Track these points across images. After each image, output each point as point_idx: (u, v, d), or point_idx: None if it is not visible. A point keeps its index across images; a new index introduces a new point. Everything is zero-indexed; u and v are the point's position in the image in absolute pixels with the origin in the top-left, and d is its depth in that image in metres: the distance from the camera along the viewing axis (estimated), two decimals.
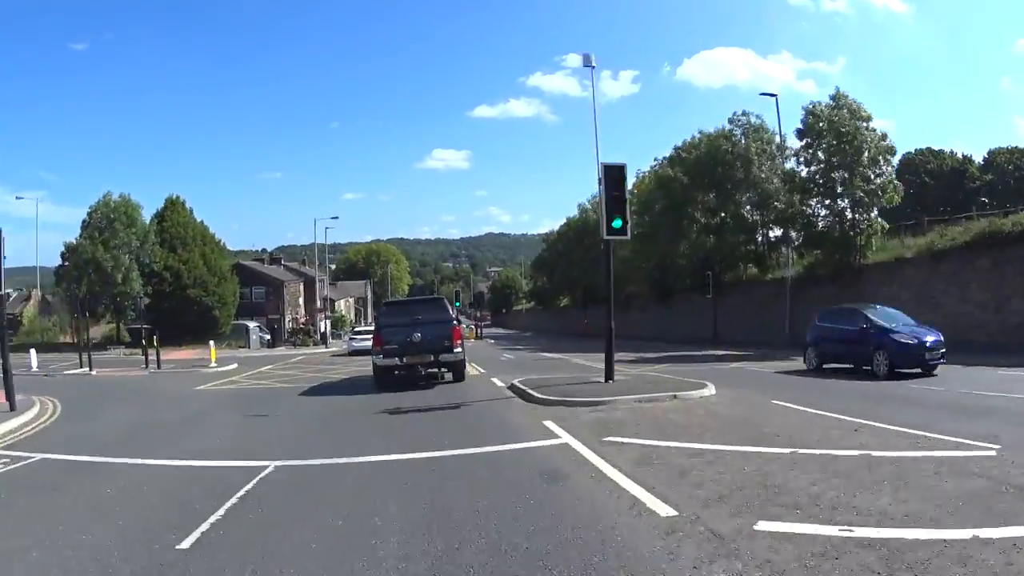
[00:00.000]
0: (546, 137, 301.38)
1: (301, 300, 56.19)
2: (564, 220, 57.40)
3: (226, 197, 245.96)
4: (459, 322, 16.62)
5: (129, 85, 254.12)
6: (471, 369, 17.16)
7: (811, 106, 26.75)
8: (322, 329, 50.79)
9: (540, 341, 42.38)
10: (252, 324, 43.75)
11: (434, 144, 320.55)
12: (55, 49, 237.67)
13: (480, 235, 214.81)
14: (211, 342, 24.55)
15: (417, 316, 13.46)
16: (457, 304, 40.98)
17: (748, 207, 32.16)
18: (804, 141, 27.27)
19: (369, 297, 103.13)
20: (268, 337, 41.73)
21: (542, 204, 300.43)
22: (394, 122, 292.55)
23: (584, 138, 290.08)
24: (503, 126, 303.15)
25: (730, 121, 32.79)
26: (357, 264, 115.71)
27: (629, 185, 15.23)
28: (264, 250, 56.96)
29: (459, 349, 13.40)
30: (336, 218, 49.26)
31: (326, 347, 41.31)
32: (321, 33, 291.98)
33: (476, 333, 44.51)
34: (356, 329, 42.62)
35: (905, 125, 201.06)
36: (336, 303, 72.47)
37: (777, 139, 32.15)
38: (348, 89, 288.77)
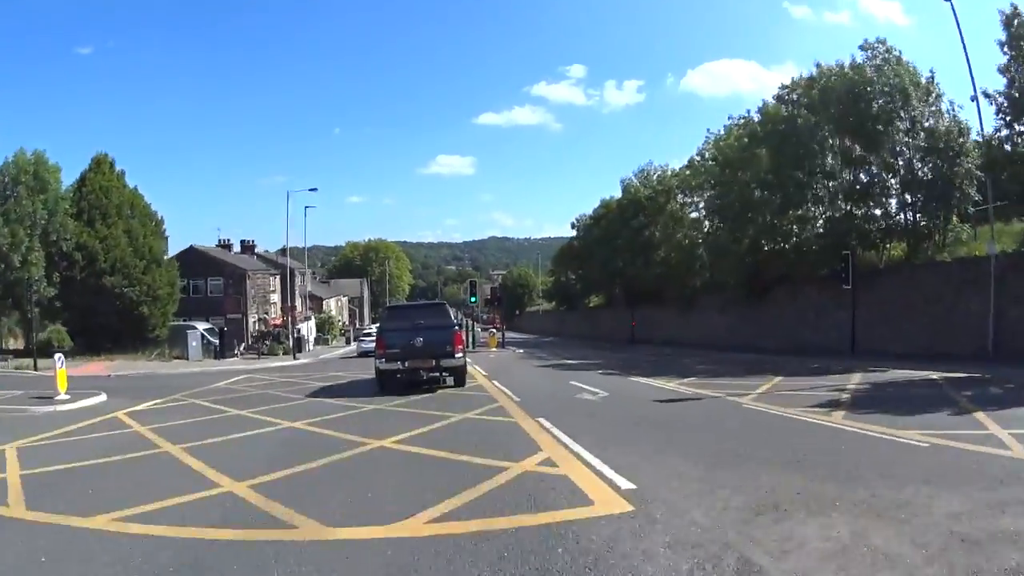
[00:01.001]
0: (550, 144, 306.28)
1: (275, 297, 45.84)
2: (599, 202, 46.92)
3: (228, 202, 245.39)
4: (461, 327, 16.43)
5: (133, 90, 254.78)
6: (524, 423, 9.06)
7: (1013, 8, 17.35)
8: (299, 333, 40.42)
9: (579, 350, 32.04)
10: (203, 326, 33.35)
11: (439, 150, 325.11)
12: (61, 53, 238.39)
13: (483, 239, 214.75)
14: (58, 358, 14.16)
15: (419, 321, 13.62)
16: (473, 300, 30.25)
17: (911, 156, 21.69)
18: (1009, 55, 17.51)
19: (366, 296, 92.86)
20: (216, 343, 31.24)
21: (546, 209, 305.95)
22: (399, 129, 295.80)
23: (588, 146, 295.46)
24: (508, 133, 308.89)
25: (861, 48, 22.61)
26: (354, 261, 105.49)
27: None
28: (231, 242, 45.75)
29: (460, 354, 13.42)
30: (315, 190, 41.80)
31: (295, 358, 30.78)
32: (326, 41, 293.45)
33: (498, 339, 33.85)
34: (365, 331, 37.86)
35: None
36: (325, 302, 62.15)
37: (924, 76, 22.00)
38: (353, 96, 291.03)
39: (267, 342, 35.82)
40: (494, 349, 28.76)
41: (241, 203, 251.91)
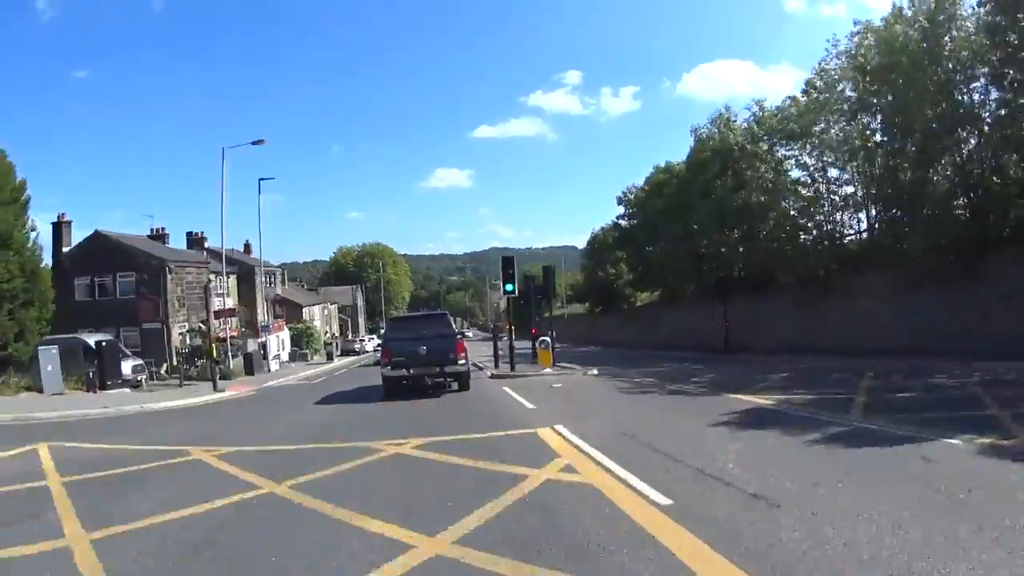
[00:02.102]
0: (548, 155, 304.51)
1: (228, 301, 34.60)
2: (651, 169, 35.72)
3: (227, 221, 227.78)
4: (463, 335, 16.29)
5: (129, 112, 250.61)
6: None
7: None
8: (262, 347, 29.26)
9: (658, 365, 20.69)
10: (95, 339, 22.07)
11: (436, 164, 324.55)
12: (58, 77, 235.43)
13: (485, 250, 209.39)
14: None
15: (422, 331, 14.10)
16: (509, 288, 18.19)
17: None
18: None
19: (360, 305, 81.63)
20: (119, 365, 19.99)
21: (546, 220, 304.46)
22: (396, 144, 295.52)
23: (586, 156, 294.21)
24: (505, 145, 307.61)
25: None
26: (347, 268, 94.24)
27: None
28: (165, 231, 33.93)
29: (463, 361, 13.79)
30: (260, 142, 27.28)
31: (216, 389, 19.38)
32: (321, 58, 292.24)
33: (551, 351, 20.95)
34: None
35: None
36: (306, 310, 50.90)
37: None
38: (349, 112, 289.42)
39: (198, 362, 24.56)
40: (548, 369, 17.27)
41: (242, 223, 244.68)
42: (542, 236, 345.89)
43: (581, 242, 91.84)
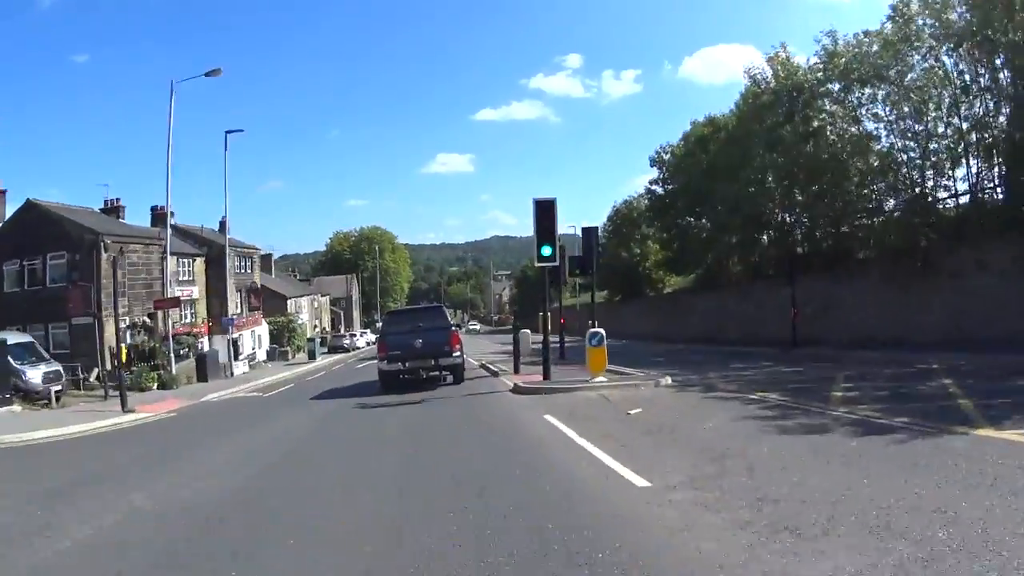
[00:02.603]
0: (550, 139, 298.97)
1: (195, 290, 29.41)
2: (688, 125, 30.28)
3: (225, 206, 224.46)
4: (460, 327, 16.79)
5: (130, 97, 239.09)
6: None
7: None
8: (221, 346, 24.21)
9: (719, 365, 15.54)
10: (16, 339, 16.86)
11: (438, 148, 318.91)
12: (57, 61, 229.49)
13: (486, 239, 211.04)
14: None
15: (418, 324, 14.08)
16: (546, 251, 12.08)
17: None
18: None
19: (355, 297, 76.40)
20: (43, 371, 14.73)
21: None
22: (396, 128, 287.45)
23: (588, 140, 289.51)
24: (506, 129, 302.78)
25: None
26: (343, 255, 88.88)
27: None
28: (120, 203, 28.38)
29: (457, 353, 13.76)
30: (215, 72, 21.56)
31: (127, 409, 14.07)
32: (319, 42, 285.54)
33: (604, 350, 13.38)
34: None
35: None
36: (292, 302, 45.64)
37: None
38: (348, 97, 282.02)
39: (133, 367, 19.27)
40: (600, 376, 11.28)
41: (240, 209, 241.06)
42: None
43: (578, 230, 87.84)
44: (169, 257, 24.89)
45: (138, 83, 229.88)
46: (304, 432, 9.15)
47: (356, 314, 74.71)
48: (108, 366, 20.60)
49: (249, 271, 34.53)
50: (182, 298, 27.71)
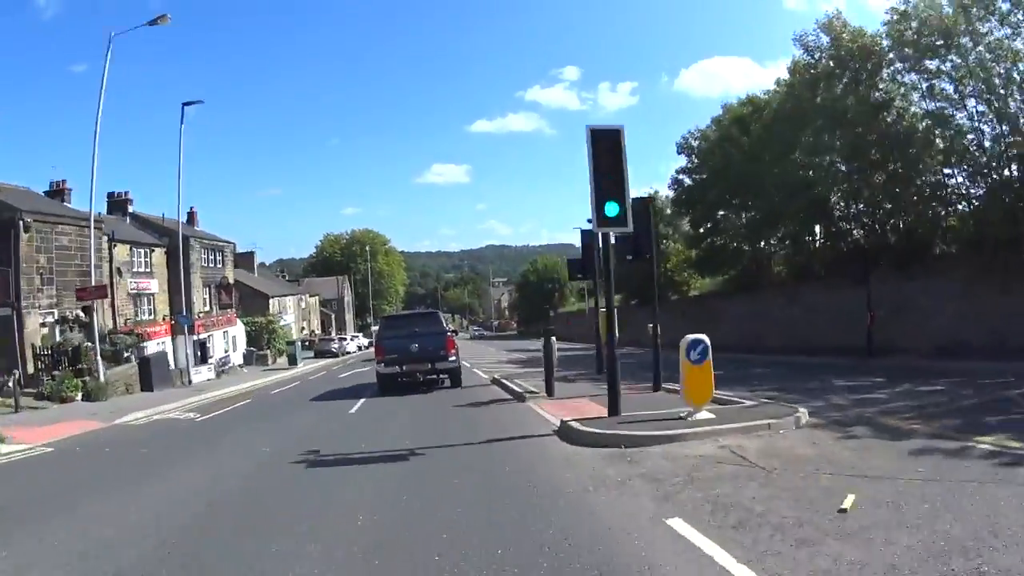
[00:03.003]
0: (545, 151, 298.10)
1: (153, 283, 25.63)
2: (719, 109, 26.72)
3: (225, 213, 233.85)
4: (456, 332, 17.28)
5: (128, 105, 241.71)
6: None
7: None
8: (177, 347, 20.51)
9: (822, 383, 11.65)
10: None
11: (433, 159, 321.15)
12: (55, 71, 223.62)
13: (481, 247, 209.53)
14: None
15: (414, 329, 14.40)
16: (612, 211, 6.69)
17: None
18: None
19: (348, 300, 72.58)
20: None
21: (542, 217, 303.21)
22: (393, 138, 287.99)
23: (583, 151, 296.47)
24: (502, 140, 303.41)
25: None
26: (334, 258, 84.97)
27: None
28: (67, 186, 24.51)
29: (453, 358, 14.08)
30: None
31: None
32: (319, 51, 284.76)
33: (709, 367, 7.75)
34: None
35: None
36: (274, 301, 41.81)
37: None
38: (347, 106, 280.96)
39: (56, 371, 15.42)
40: (704, 413, 6.86)
41: (240, 215, 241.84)
42: (538, 233, 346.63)
43: (578, 240, 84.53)
44: (120, 245, 21.09)
45: (137, 88, 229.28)
46: (189, 518, 5.09)
47: (348, 317, 70.82)
48: (31, 368, 16.74)
49: (220, 266, 30.70)
50: (137, 291, 23.92)
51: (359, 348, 45.09)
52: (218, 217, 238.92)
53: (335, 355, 35.98)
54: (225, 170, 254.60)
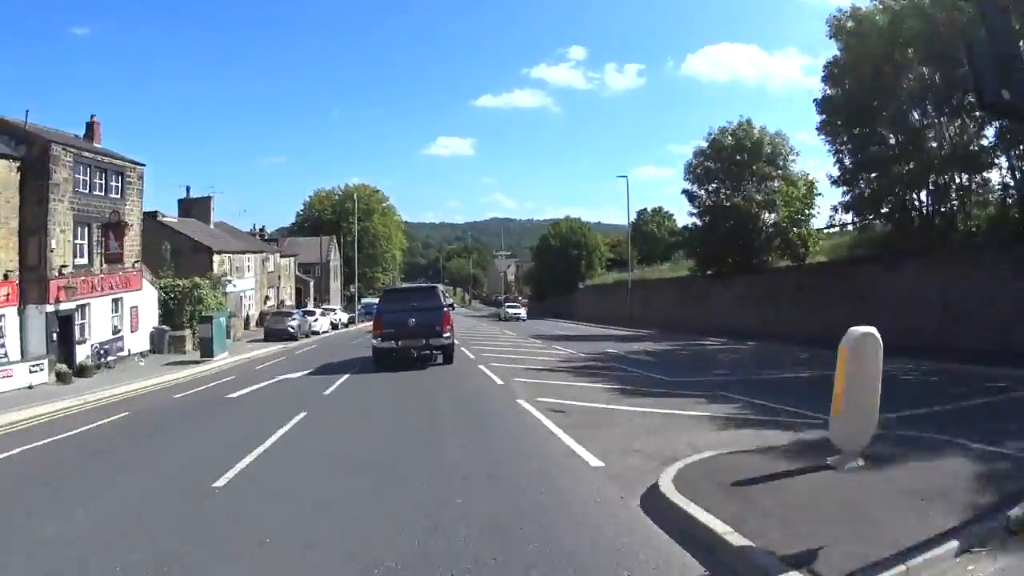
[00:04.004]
0: (550, 127, 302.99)
1: None
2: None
3: (228, 181, 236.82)
4: (453, 307, 17.15)
5: (131, 71, 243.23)
6: None
7: None
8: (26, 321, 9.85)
9: None
10: None
11: (439, 132, 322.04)
12: (57, 33, 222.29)
13: (485, 220, 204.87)
14: None
15: (412, 304, 14.62)
16: None
17: None
18: None
19: (335, 265, 62.31)
20: None
21: (547, 191, 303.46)
22: (398, 111, 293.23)
23: (588, 130, 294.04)
24: (507, 115, 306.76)
25: None
26: (324, 215, 74.42)
27: None
28: None
29: (448, 334, 14.28)
30: None
31: None
32: (326, 22, 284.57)
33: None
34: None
35: None
36: (222, 258, 31.48)
37: None
38: (352, 78, 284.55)
39: None
40: None
41: (242, 184, 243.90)
42: (543, 208, 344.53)
43: (582, 215, 68.51)
44: None
45: (140, 54, 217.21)
46: None
47: (335, 285, 60.61)
48: None
49: (118, 196, 20.19)
50: None
51: (334, 326, 34.83)
52: (218, 185, 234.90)
53: (292, 337, 25.71)
54: (227, 136, 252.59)
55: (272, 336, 25.83)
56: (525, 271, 73.30)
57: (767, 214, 25.07)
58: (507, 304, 41.63)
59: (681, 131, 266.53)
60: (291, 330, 25.78)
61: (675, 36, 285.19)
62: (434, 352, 14.38)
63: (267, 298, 38.41)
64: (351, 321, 39.07)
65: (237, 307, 28.66)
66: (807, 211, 24.50)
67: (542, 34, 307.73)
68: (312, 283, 50.75)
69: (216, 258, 30.69)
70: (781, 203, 25.09)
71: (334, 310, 37.03)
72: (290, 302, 44.63)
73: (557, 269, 50.26)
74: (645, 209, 72.96)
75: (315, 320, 30.10)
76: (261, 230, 60.88)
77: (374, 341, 14.28)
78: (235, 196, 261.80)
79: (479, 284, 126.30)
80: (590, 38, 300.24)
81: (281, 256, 43.11)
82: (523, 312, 41.63)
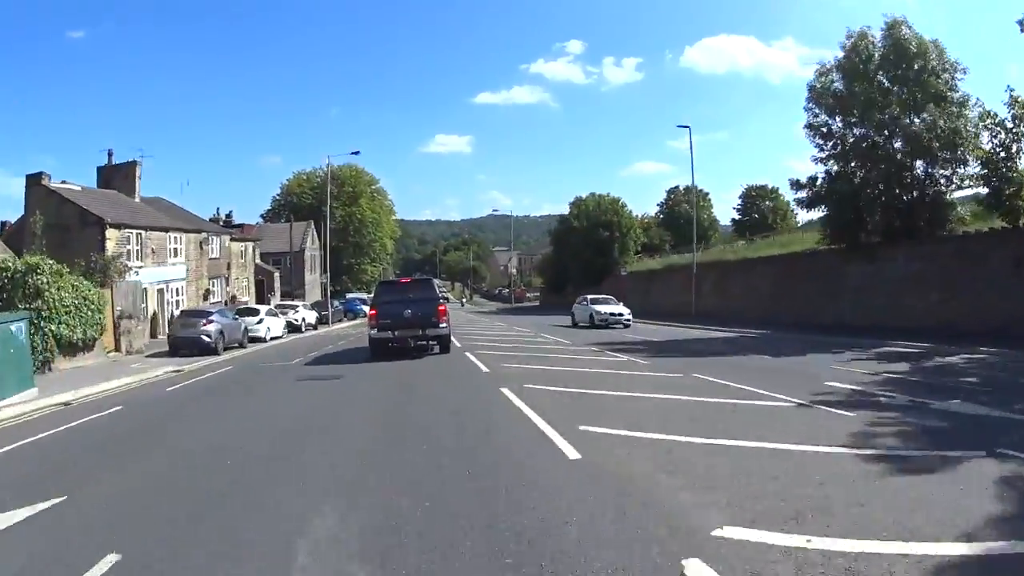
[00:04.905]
0: (548, 124, 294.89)
1: None
2: None
3: (225, 180, 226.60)
4: (448, 299, 17.12)
5: (127, 73, 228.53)
6: None
7: None
8: None
9: None
10: None
11: (436, 129, 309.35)
12: (53, 37, 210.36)
13: (482, 217, 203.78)
14: None
15: (408, 295, 14.63)
16: None
17: None
18: None
19: (312, 253, 52.92)
20: None
21: (544, 189, 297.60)
22: (397, 109, 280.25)
23: (587, 125, 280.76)
24: (506, 112, 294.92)
25: None
26: (303, 201, 64.69)
27: None
28: None
29: (444, 324, 14.23)
30: None
31: None
32: (322, 19, 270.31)
33: None
34: None
35: None
36: (127, 236, 21.87)
37: None
38: (350, 76, 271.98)
39: None
40: None
41: (240, 182, 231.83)
42: (540, 205, 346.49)
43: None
44: None
45: (137, 56, 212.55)
46: None
47: (311, 277, 51.03)
48: None
49: None
50: None
51: (295, 329, 25.28)
52: (215, 185, 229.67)
53: (209, 349, 16.08)
54: (224, 136, 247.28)
55: (180, 347, 16.24)
56: (538, 260, 63.74)
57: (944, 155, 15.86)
58: (597, 301, 22.83)
59: (679, 124, 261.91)
60: (206, 339, 16.11)
61: (673, 28, 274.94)
62: (430, 342, 14.22)
63: (208, 292, 28.83)
64: (322, 321, 29.51)
65: (134, 304, 19.01)
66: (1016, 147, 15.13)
67: (540, 28, 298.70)
68: (278, 274, 41.09)
69: (112, 234, 21.07)
70: (971, 135, 15.91)
71: (295, 307, 27.36)
72: (246, 298, 35.06)
73: (583, 254, 40.69)
74: (677, 187, 63.64)
75: (258, 322, 20.44)
76: (227, 216, 51.02)
77: (371, 332, 14.25)
78: (227, 193, 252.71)
79: (480, 277, 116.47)
80: (588, 31, 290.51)
81: (232, 240, 33.40)
82: (626, 313, 23.71)
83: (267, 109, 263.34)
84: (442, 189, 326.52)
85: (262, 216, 63.42)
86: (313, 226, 53.44)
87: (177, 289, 26.03)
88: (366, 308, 48.91)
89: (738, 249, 28.10)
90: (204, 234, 29.26)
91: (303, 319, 26.42)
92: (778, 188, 55.85)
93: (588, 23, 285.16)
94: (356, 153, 30.94)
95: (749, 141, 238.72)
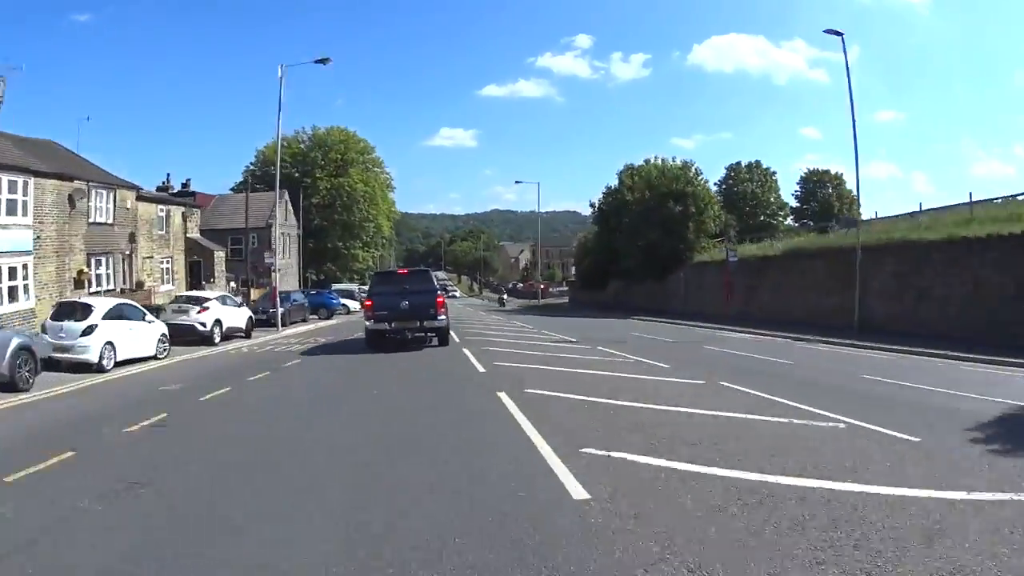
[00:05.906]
0: (554, 118, 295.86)
1: None
2: None
3: (228, 171, 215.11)
4: (445, 291, 16.43)
5: (132, 58, 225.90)
6: None
7: None
8: None
9: None
10: None
11: (442, 123, 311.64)
12: (57, 19, 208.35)
13: (487, 211, 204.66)
14: None
15: (405, 286, 14.32)
16: None
17: None
18: None
19: (286, 230, 42.05)
20: None
21: (549, 184, 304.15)
22: (401, 101, 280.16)
23: (593, 121, 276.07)
24: (512, 106, 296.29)
25: None
26: (283, 171, 53.30)
27: None
28: None
29: (443, 316, 14.01)
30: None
31: None
32: (329, 10, 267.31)
33: None
34: None
35: (916, 118, 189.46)
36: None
37: None
38: (356, 67, 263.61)
39: None
40: None
41: (241, 165, 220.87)
42: (545, 200, 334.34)
43: (584, 208, 57.87)
44: None
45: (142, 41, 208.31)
46: None
47: (285, 262, 39.86)
48: None
49: None
50: None
51: (196, 341, 14.24)
52: (217, 177, 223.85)
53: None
54: (226, 125, 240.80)
55: None
56: (580, 241, 52.38)
57: None
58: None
59: (685, 123, 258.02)
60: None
61: (682, 25, 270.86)
62: (429, 334, 14.03)
63: (82, 272, 17.83)
64: (267, 323, 18.60)
65: None
66: None
67: (548, 22, 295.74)
68: (223, 255, 29.93)
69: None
70: None
71: (204, 301, 16.23)
72: (168, 287, 24.08)
73: (646, 235, 29.50)
74: (738, 163, 52.51)
75: (84, 332, 9.49)
76: (184, 185, 39.66)
77: (367, 323, 13.93)
78: (232, 180, 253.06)
79: (492, 269, 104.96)
80: (597, 26, 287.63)
81: (142, 199, 22.33)
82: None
83: (270, 99, 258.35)
84: (446, 183, 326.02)
85: (232, 189, 52.05)
86: (287, 201, 42.33)
87: (14, 269, 15.10)
88: (348, 302, 39.17)
89: (934, 224, 16.90)
90: (77, 183, 18.22)
91: (215, 323, 15.35)
92: (841, 173, 51.59)
93: (596, 17, 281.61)
94: (323, 62, 18.79)
95: (753, 142, 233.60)
